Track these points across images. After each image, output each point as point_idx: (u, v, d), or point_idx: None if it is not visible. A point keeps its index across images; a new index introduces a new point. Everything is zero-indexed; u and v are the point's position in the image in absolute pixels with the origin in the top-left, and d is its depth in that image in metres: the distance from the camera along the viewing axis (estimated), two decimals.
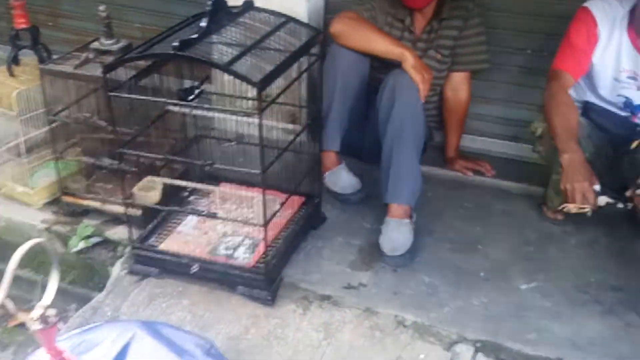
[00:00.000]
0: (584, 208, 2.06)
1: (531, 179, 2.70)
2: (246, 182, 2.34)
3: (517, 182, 2.74)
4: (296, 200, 2.37)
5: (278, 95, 1.95)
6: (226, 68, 1.77)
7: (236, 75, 1.77)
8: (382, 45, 2.41)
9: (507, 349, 1.96)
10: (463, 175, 2.79)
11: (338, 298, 2.13)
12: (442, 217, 2.56)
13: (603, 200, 2.03)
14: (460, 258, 2.34)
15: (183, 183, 2.24)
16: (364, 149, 2.66)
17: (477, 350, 1.96)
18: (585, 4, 2.28)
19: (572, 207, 2.08)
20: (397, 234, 2.27)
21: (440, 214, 2.57)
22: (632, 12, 2.22)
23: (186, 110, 2.11)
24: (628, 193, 2.01)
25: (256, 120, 1.85)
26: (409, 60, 2.34)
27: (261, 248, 2.10)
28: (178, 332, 1.52)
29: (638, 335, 2.02)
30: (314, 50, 2.16)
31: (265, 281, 2.06)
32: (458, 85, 2.71)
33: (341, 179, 2.56)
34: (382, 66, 2.52)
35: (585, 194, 2.04)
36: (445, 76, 2.70)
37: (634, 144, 2.16)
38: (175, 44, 1.80)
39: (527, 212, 2.60)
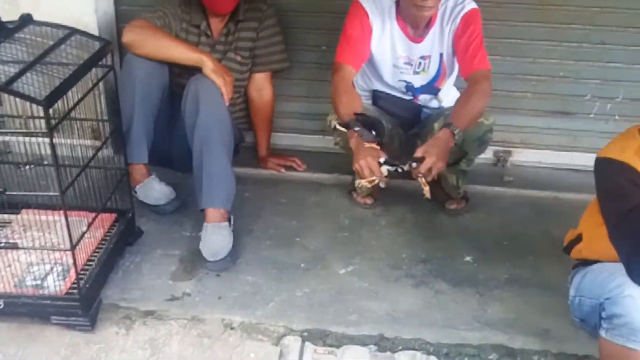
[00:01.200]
0: (373, 181, 2.19)
1: (339, 168, 2.83)
2: (51, 206, 2.21)
3: (327, 173, 2.86)
4: (107, 218, 2.28)
5: (68, 112, 1.87)
6: (4, 88, 1.65)
7: (17, 94, 1.66)
8: (178, 53, 2.39)
9: (332, 333, 2.04)
10: (277, 173, 2.86)
11: (162, 312, 2.09)
12: (261, 216, 2.60)
13: (385, 169, 2.17)
14: (281, 253, 2.39)
15: None
16: (175, 157, 2.62)
17: (304, 340, 2.01)
18: None
19: (363, 182, 2.21)
20: (216, 238, 2.27)
21: (259, 213, 2.62)
22: (398, 3, 2.40)
23: None
24: (406, 167, 2.16)
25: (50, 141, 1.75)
26: (208, 64, 2.34)
27: (72, 273, 1.99)
28: None
29: (446, 300, 2.20)
30: (107, 61, 2.09)
31: (80, 307, 1.96)
32: (261, 85, 2.76)
33: (153, 190, 2.50)
34: (183, 72, 2.50)
35: (370, 167, 2.16)
36: (248, 77, 2.74)
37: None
38: None
39: (339, 200, 2.72)
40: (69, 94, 1.88)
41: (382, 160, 2.14)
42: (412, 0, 2.25)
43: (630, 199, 1.66)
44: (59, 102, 1.81)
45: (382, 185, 2.21)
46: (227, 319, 2.07)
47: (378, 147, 2.19)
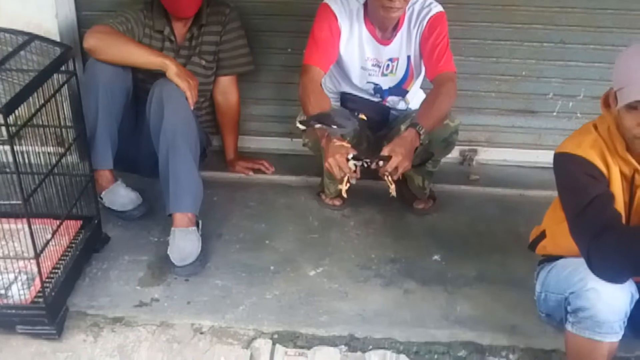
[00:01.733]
0: (344, 179, 2.19)
1: (308, 170, 2.84)
2: (14, 214, 2.17)
3: (296, 176, 2.87)
4: (72, 225, 2.25)
5: (28, 120, 1.85)
6: None
7: None
8: (140, 57, 2.37)
9: (303, 335, 2.04)
10: (245, 176, 2.85)
11: (130, 318, 2.08)
12: (230, 219, 2.59)
13: (352, 163, 2.17)
14: (251, 256, 2.39)
15: None
16: (141, 162, 2.59)
17: (274, 342, 2.01)
18: (325, 1, 2.43)
19: (344, 190, 2.21)
20: (184, 243, 2.26)
21: (228, 216, 2.61)
22: (366, 5, 2.42)
23: None
24: (373, 166, 2.17)
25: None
26: (171, 68, 2.33)
27: (37, 281, 1.96)
28: None
29: (416, 299, 2.21)
30: (69, 66, 2.06)
31: (47, 315, 1.94)
32: (226, 88, 2.75)
33: (119, 196, 2.48)
34: (147, 77, 2.48)
35: (339, 165, 2.17)
36: (213, 81, 2.73)
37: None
38: None
39: (308, 202, 2.73)
40: (31, 100, 1.86)
41: (350, 156, 2.15)
42: (380, 2, 2.26)
43: (588, 193, 1.69)
44: (22, 109, 1.79)
45: (352, 181, 2.21)
46: (196, 324, 2.06)
47: (348, 145, 2.20)
